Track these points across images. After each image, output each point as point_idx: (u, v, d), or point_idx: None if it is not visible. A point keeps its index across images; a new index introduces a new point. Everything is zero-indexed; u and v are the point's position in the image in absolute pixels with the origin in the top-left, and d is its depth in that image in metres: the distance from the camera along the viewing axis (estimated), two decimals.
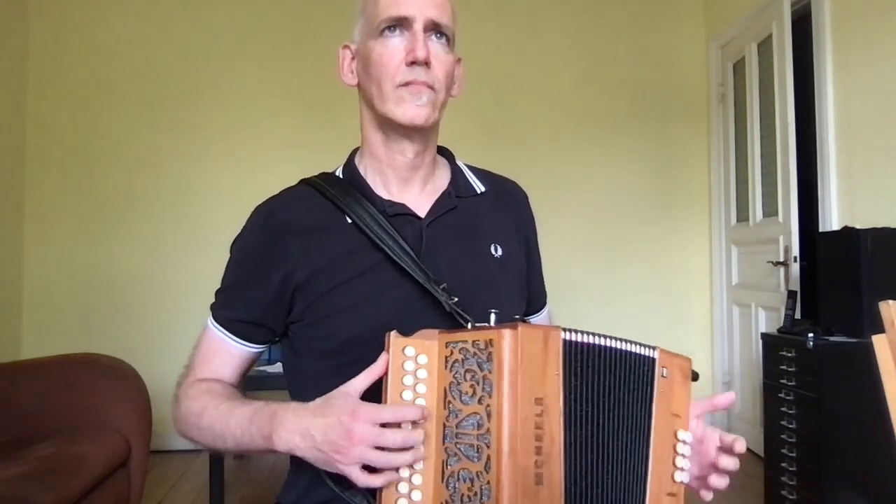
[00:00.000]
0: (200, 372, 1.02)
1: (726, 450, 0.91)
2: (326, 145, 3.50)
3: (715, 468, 0.91)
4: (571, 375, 0.81)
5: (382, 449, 0.78)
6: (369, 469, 0.79)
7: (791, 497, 2.54)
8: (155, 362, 3.10)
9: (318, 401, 0.83)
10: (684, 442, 0.90)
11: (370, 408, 0.79)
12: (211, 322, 1.03)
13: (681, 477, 0.89)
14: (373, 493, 0.82)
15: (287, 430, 0.83)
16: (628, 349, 0.87)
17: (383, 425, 0.78)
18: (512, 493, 0.75)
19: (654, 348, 0.89)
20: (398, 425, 0.78)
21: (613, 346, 0.86)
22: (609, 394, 0.84)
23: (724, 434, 0.92)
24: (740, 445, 0.90)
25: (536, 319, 1.20)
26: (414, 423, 0.79)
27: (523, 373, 0.77)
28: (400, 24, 0.94)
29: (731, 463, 0.90)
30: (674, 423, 0.89)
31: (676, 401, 0.90)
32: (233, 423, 0.90)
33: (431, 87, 0.95)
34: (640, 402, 0.87)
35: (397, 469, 0.79)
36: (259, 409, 0.88)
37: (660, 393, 0.88)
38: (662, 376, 0.89)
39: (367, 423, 0.77)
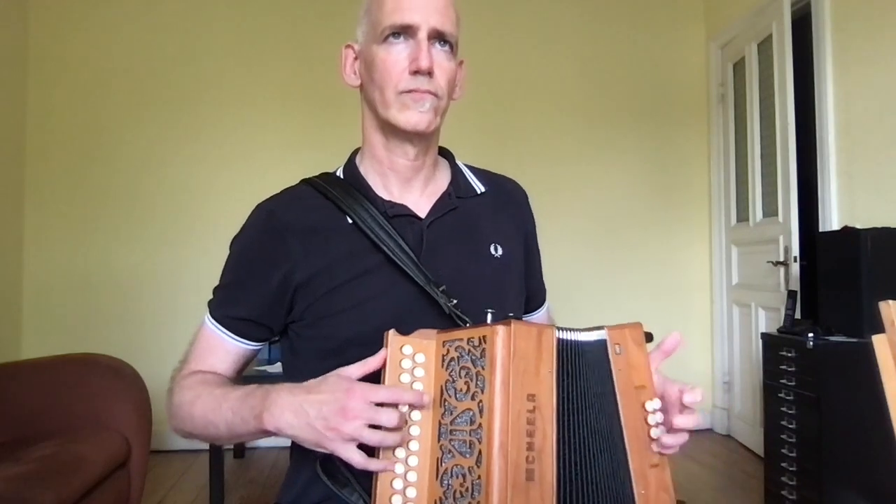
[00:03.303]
0: (196, 366, 1.02)
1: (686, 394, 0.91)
2: (326, 145, 3.51)
3: (679, 410, 0.91)
4: (564, 374, 0.82)
5: (377, 429, 0.77)
6: (366, 453, 0.79)
7: (791, 497, 2.54)
8: (155, 362, 3.09)
9: (313, 381, 0.83)
10: (654, 411, 0.89)
11: (366, 386, 0.79)
12: (208, 318, 1.03)
13: (659, 446, 0.89)
14: (368, 491, 0.82)
15: (279, 408, 0.82)
16: (586, 339, 0.86)
17: (379, 406, 0.78)
18: (502, 487, 0.74)
19: (601, 328, 0.89)
20: (394, 407, 0.78)
21: (581, 339, 0.85)
22: (592, 389, 0.85)
23: (684, 385, 0.92)
24: (696, 395, 0.90)
25: (536, 316, 1.20)
26: (410, 408, 0.79)
27: (515, 368, 0.77)
28: (404, 31, 0.94)
29: (684, 422, 0.90)
30: (640, 396, 0.89)
31: (637, 371, 0.89)
32: (225, 406, 0.90)
33: (434, 95, 0.95)
34: (606, 388, 0.87)
35: (393, 451, 0.79)
36: (252, 390, 0.88)
37: (618, 371, 0.88)
38: (617, 353, 0.88)
39: (363, 401, 0.77)
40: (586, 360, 0.85)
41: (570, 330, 0.85)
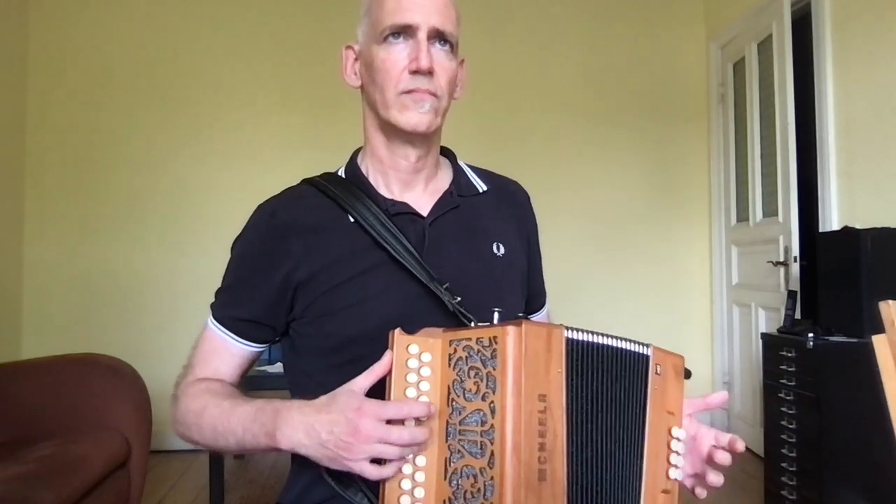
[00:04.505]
0: (200, 371, 1.01)
1: (722, 448, 0.92)
2: (327, 145, 3.51)
3: (710, 464, 0.92)
4: (574, 373, 0.82)
5: (388, 445, 0.78)
6: (376, 462, 0.79)
7: (791, 497, 2.54)
8: (155, 362, 3.10)
9: (323, 398, 0.83)
10: (678, 439, 0.90)
11: (376, 404, 0.79)
12: (211, 321, 1.03)
13: (675, 474, 0.90)
14: (374, 492, 0.82)
15: (291, 427, 0.83)
16: (625, 347, 0.88)
17: (389, 422, 0.78)
18: (516, 487, 0.74)
19: (647, 346, 0.90)
20: (403, 421, 0.78)
21: (611, 343, 0.86)
22: (608, 392, 0.85)
23: (720, 433, 0.93)
24: (739, 445, 0.91)
25: (536, 319, 1.20)
26: (418, 420, 0.79)
27: (527, 369, 0.77)
28: (404, 31, 0.94)
29: (724, 458, 0.91)
30: (668, 421, 0.90)
31: (670, 398, 0.90)
32: (234, 420, 0.90)
33: (434, 95, 0.95)
34: (635, 400, 0.87)
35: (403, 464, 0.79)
36: (262, 407, 0.88)
37: (654, 390, 0.88)
38: (656, 373, 0.89)
39: (374, 419, 0.77)
40: (606, 362, 0.85)
41: (597, 333, 0.85)
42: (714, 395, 0.96)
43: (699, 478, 0.93)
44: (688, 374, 0.95)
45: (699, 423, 0.95)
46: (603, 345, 0.86)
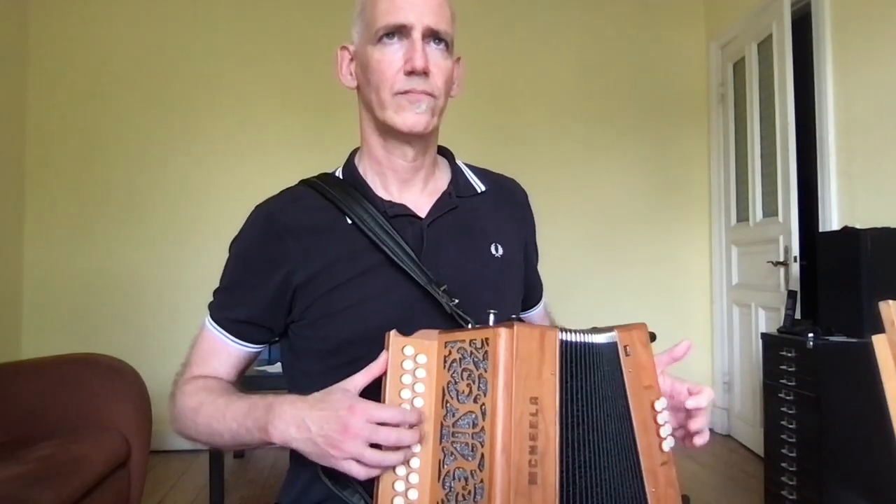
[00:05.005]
0: (198, 370, 1.02)
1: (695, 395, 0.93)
2: (326, 145, 3.51)
3: (689, 418, 0.93)
4: (568, 376, 0.82)
5: (377, 447, 0.78)
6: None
7: (791, 497, 2.54)
8: (155, 362, 3.09)
9: (317, 394, 0.84)
10: (662, 410, 0.90)
11: (368, 405, 0.79)
12: (209, 322, 1.03)
13: (668, 445, 0.89)
14: (370, 493, 0.82)
15: (283, 421, 0.83)
16: (598, 341, 0.87)
17: (380, 424, 0.78)
18: (504, 490, 0.74)
19: (611, 330, 0.89)
20: (395, 425, 0.78)
21: (592, 341, 0.86)
22: (598, 391, 0.85)
23: (692, 385, 0.94)
24: (707, 395, 0.93)
25: (534, 313, 1.21)
26: (410, 425, 0.79)
27: (518, 371, 0.77)
28: (398, 31, 0.94)
29: (694, 403, 0.92)
30: (649, 396, 0.89)
31: (645, 372, 0.90)
32: (229, 416, 0.90)
33: (431, 95, 0.95)
34: (617, 389, 0.87)
35: (393, 467, 0.79)
36: (256, 402, 0.89)
37: (628, 372, 0.88)
38: (626, 355, 0.89)
39: (364, 420, 0.78)
40: (594, 361, 0.85)
41: (579, 332, 0.85)
42: (677, 346, 0.95)
43: (684, 430, 0.94)
44: (653, 338, 0.94)
45: (672, 378, 0.95)
46: (594, 343, 0.86)
